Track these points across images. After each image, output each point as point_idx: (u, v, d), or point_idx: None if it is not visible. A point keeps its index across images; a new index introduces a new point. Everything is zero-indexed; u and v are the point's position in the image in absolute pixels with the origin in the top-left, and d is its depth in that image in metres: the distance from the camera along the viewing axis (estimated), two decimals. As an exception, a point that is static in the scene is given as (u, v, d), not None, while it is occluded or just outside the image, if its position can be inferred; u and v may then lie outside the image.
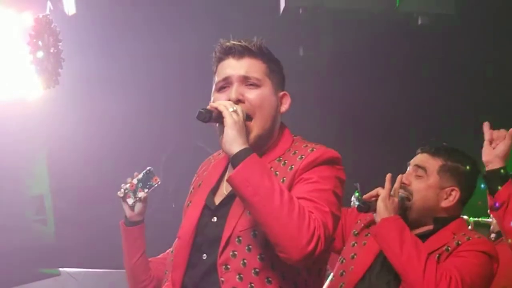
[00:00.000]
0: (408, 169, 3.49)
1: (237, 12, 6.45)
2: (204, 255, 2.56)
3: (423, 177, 3.42)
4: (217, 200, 2.64)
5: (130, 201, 3.77)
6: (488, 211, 3.63)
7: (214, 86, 2.66)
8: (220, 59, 2.65)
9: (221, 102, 2.52)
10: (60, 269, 6.38)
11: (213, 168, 2.75)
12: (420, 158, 3.48)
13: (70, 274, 6.28)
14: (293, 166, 2.56)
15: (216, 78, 2.65)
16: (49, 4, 4.92)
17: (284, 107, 2.69)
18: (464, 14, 6.21)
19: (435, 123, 6.87)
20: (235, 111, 2.48)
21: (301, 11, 6.07)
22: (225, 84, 2.61)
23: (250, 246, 2.49)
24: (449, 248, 3.26)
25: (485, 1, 6.28)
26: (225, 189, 2.65)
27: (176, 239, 2.71)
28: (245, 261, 2.49)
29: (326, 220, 2.42)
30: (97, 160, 6.62)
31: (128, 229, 3.78)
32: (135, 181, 3.84)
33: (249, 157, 2.41)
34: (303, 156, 2.57)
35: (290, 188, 2.49)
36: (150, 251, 3.64)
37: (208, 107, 2.51)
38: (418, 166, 3.44)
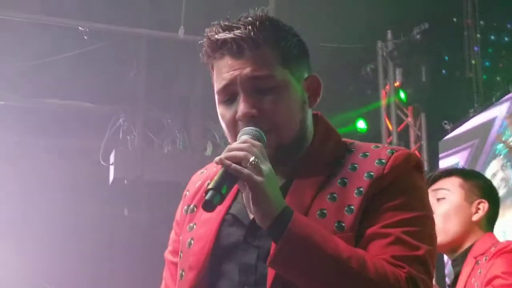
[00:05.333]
0: None
1: (73, 181, 7.55)
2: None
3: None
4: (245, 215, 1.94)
5: None
6: None
7: (216, 95, 1.97)
8: (211, 58, 1.95)
9: (232, 154, 1.77)
10: None
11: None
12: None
13: None
14: (372, 173, 1.89)
15: (215, 84, 1.96)
16: None
17: (314, 98, 1.99)
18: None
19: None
20: (254, 164, 1.75)
21: (125, 182, 7.28)
22: (228, 94, 1.92)
23: None
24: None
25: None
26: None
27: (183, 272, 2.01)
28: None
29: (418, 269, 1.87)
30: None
31: None
32: None
33: (286, 231, 1.75)
34: (383, 161, 1.90)
35: (367, 202, 1.87)
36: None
37: (217, 161, 1.78)
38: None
